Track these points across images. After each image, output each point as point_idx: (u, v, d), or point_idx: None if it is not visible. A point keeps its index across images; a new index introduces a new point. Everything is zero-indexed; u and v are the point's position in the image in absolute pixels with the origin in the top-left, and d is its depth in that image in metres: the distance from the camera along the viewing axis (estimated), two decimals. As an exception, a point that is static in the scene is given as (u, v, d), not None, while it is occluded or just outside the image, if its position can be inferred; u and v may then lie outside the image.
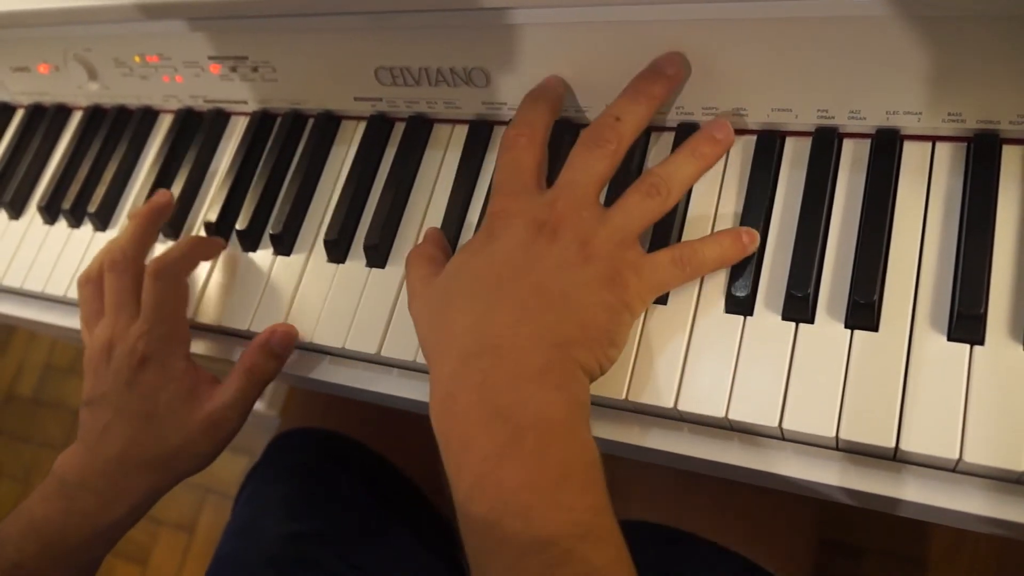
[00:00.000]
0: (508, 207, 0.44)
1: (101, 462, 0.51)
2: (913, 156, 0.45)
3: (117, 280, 0.54)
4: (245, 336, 0.56)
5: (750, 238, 0.45)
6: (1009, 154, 0.43)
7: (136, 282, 0.53)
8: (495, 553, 0.37)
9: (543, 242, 0.42)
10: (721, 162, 0.49)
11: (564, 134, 0.52)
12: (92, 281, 0.56)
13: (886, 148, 0.45)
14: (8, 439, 1.65)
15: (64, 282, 0.63)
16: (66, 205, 0.66)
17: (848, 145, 0.47)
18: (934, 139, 0.45)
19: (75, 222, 0.66)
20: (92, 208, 0.64)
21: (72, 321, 0.63)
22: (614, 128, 0.45)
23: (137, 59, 0.63)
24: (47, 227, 0.67)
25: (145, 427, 0.51)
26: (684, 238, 0.47)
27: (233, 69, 0.60)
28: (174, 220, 0.61)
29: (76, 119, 0.71)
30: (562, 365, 0.40)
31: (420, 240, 0.53)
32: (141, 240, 0.56)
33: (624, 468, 0.61)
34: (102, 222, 0.65)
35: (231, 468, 1.22)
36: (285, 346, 0.53)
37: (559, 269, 0.41)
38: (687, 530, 0.58)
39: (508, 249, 0.43)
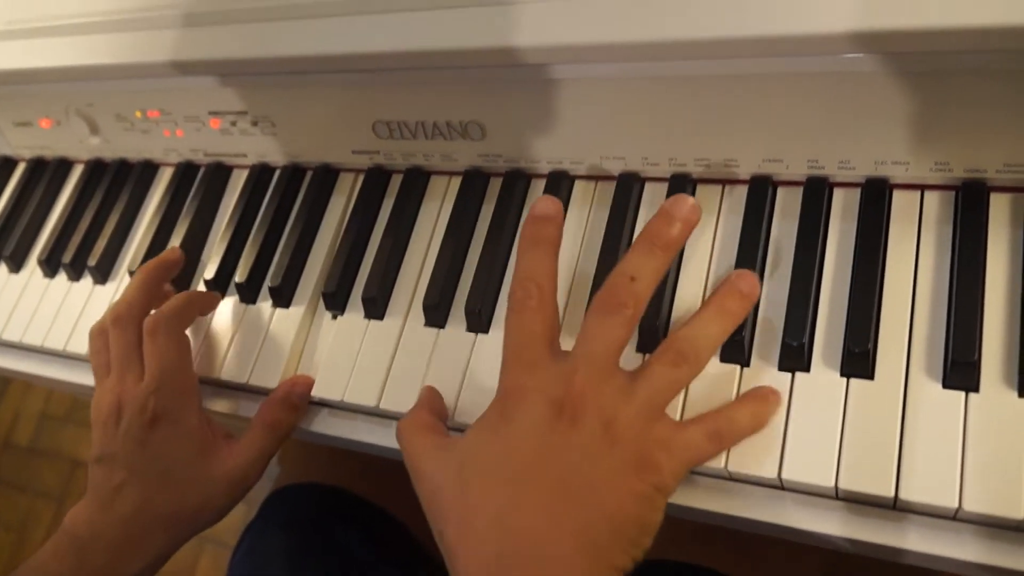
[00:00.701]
0: (523, 383, 0.41)
1: (116, 519, 0.50)
2: (903, 205, 0.46)
3: (121, 335, 0.53)
4: (244, 389, 0.56)
5: (776, 396, 0.43)
6: (997, 202, 0.44)
7: (140, 338, 0.53)
8: None
9: (564, 427, 0.39)
10: (714, 212, 0.49)
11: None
12: (102, 333, 0.55)
13: (876, 197, 0.46)
14: (4, 488, 1.64)
15: (63, 336, 0.63)
16: (66, 259, 0.66)
17: (839, 194, 0.47)
18: (923, 188, 0.46)
19: (75, 275, 0.66)
20: (92, 261, 0.65)
21: (71, 375, 0.63)
22: (630, 289, 0.41)
23: (138, 114, 0.64)
24: (47, 280, 0.68)
25: (161, 486, 0.50)
26: (677, 294, 0.48)
27: (233, 123, 0.61)
28: (174, 273, 0.62)
29: (77, 173, 0.72)
30: (597, 573, 0.38)
31: (423, 399, 0.49)
32: (146, 295, 0.56)
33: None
34: (102, 275, 0.65)
35: (228, 517, 1.20)
36: (304, 397, 0.53)
37: (584, 458, 0.38)
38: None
39: (528, 434, 0.40)
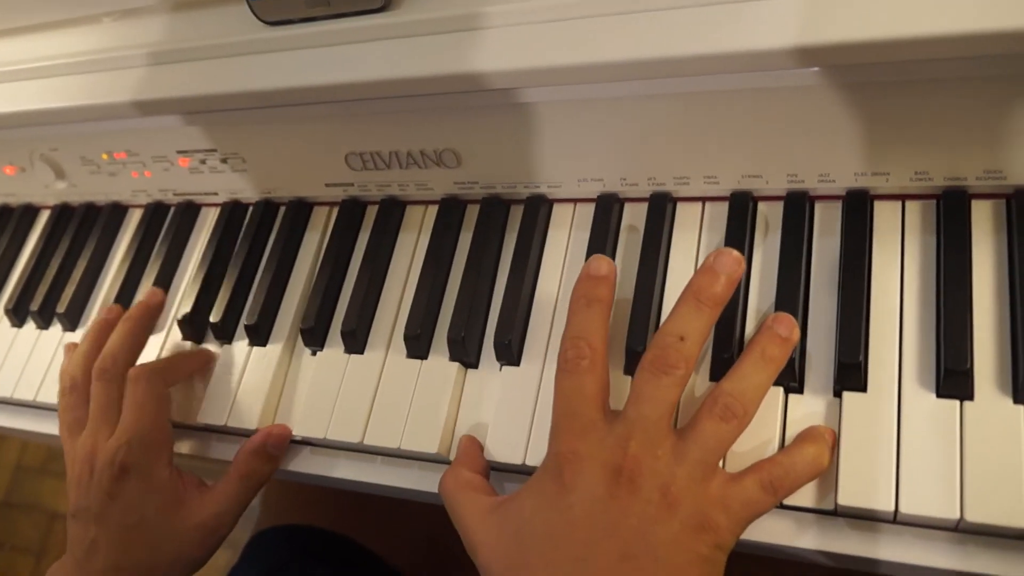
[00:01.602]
0: (577, 449, 0.40)
1: (92, 574, 0.49)
2: (885, 216, 0.45)
3: (105, 389, 0.53)
4: (223, 432, 0.55)
5: (831, 433, 0.41)
6: (978, 209, 0.44)
7: (123, 392, 0.52)
8: None
9: (623, 495, 0.38)
10: (696, 229, 0.49)
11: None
12: (77, 389, 0.54)
13: (857, 209, 0.45)
14: (-20, 545, 1.59)
15: (34, 386, 0.61)
16: (34, 307, 0.64)
17: (820, 208, 0.47)
18: (904, 198, 0.45)
19: (43, 323, 0.65)
20: (61, 308, 0.63)
21: (43, 425, 0.61)
22: (680, 350, 0.40)
23: (105, 156, 0.63)
24: (15, 330, 0.66)
25: (133, 540, 0.49)
26: (663, 313, 0.47)
27: (203, 161, 0.60)
28: (146, 316, 0.60)
29: (43, 218, 0.71)
30: None
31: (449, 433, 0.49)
32: (132, 346, 0.55)
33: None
34: (71, 322, 0.63)
35: (211, 562, 1.17)
36: (280, 447, 0.51)
37: (645, 526, 0.38)
38: None
39: (587, 504, 0.39)
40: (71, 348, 0.59)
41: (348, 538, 0.69)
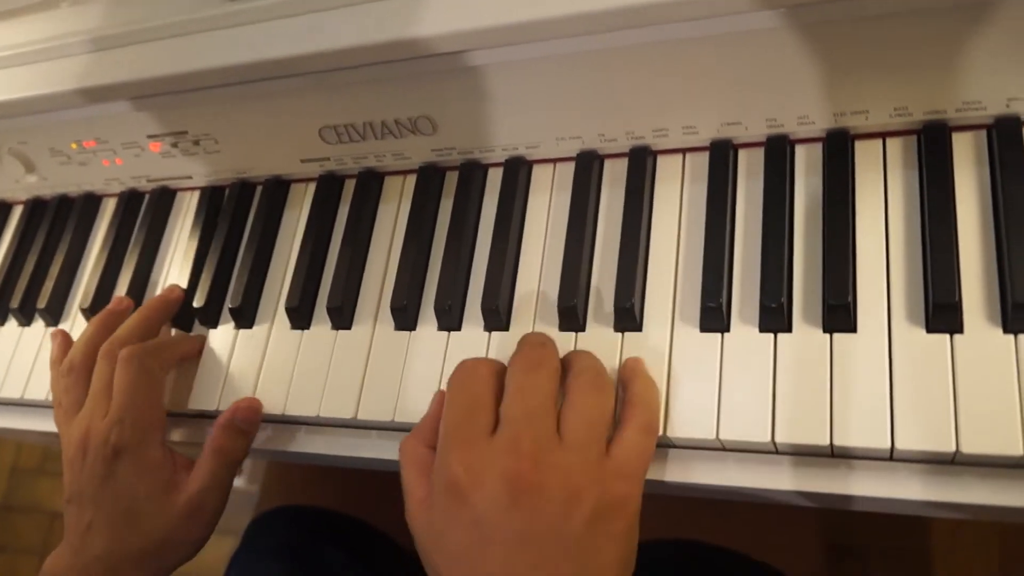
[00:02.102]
0: (471, 463, 0.40)
1: (89, 561, 0.49)
2: (866, 154, 0.45)
3: (108, 370, 0.51)
4: (215, 417, 0.54)
5: (633, 360, 0.44)
6: (959, 141, 0.44)
7: None
8: None
9: (527, 500, 0.38)
10: (678, 182, 0.48)
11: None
12: (75, 370, 0.53)
13: (838, 149, 0.45)
14: (-18, 549, 1.59)
15: (20, 383, 0.61)
16: (14, 304, 0.63)
17: (801, 151, 0.47)
18: (884, 135, 0.45)
19: (25, 320, 0.64)
20: (41, 304, 0.62)
21: (32, 423, 0.61)
22: (546, 347, 0.43)
23: (74, 146, 0.62)
24: (-4, 329, 0.65)
25: (126, 522, 0.49)
26: (651, 263, 0.47)
27: (174, 145, 0.59)
28: (128, 306, 0.59)
29: (16, 215, 0.69)
30: None
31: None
32: (142, 335, 0.54)
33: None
34: (53, 317, 0.62)
35: (214, 551, 1.18)
36: (250, 421, 0.51)
37: (557, 528, 0.38)
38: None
39: (493, 518, 0.38)
40: (57, 335, 0.58)
41: (352, 516, 0.68)
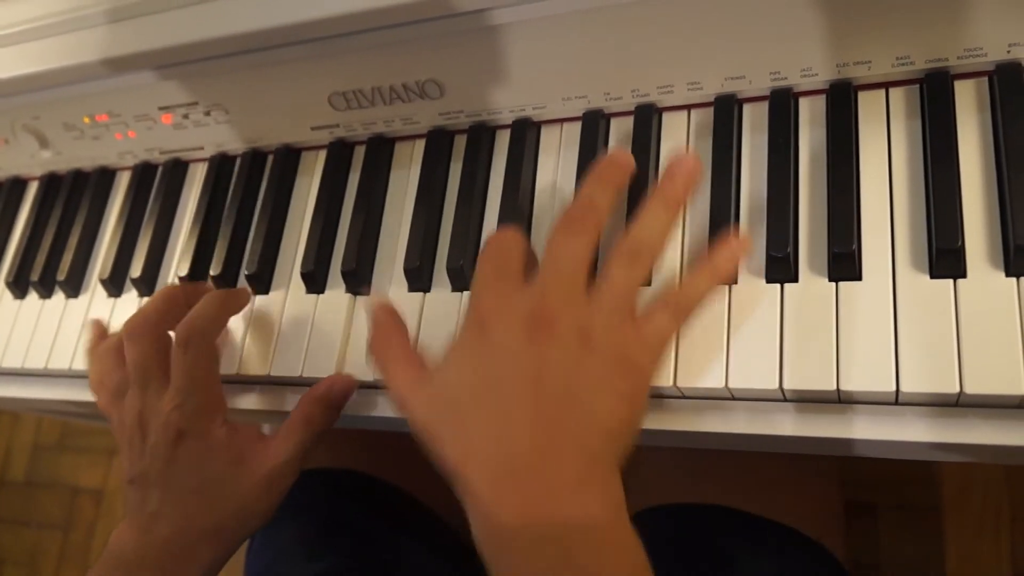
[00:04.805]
0: (498, 304, 0.42)
1: (159, 541, 0.49)
2: (869, 104, 0.45)
3: (152, 348, 0.51)
4: (234, 381, 0.55)
5: (740, 245, 0.44)
6: (961, 88, 0.44)
7: (160, 350, 0.51)
8: None
9: (542, 340, 0.40)
10: (683, 134, 0.49)
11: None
12: (110, 352, 0.53)
13: (841, 100, 0.45)
14: (8, 525, 1.62)
15: (43, 354, 0.62)
16: (34, 277, 0.65)
17: (805, 103, 0.47)
18: (887, 85, 0.46)
19: (46, 293, 0.65)
20: (61, 276, 0.64)
21: (55, 392, 0.62)
22: (589, 211, 0.43)
23: (87, 120, 0.63)
24: (18, 302, 0.66)
25: (196, 501, 0.49)
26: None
27: (185, 116, 0.60)
28: (146, 275, 0.61)
29: (33, 190, 0.70)
30: (594, 473, 0.39)
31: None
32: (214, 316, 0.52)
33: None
34: (73, 289, 0.64)
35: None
36: (346, 398, 0.51)
37: (566, 368, 0.39)
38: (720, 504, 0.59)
39: (508, 355, 0.40)
40: (93, 324, 0.58)
41: (375, 477, 0.70)
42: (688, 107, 0.50)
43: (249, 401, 0.55)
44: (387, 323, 0.46)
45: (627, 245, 0.42)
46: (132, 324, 0.52)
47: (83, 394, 0.60)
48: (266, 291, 0.56)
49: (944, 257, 0.40)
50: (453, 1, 0.46)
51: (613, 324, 0.40)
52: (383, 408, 0.52)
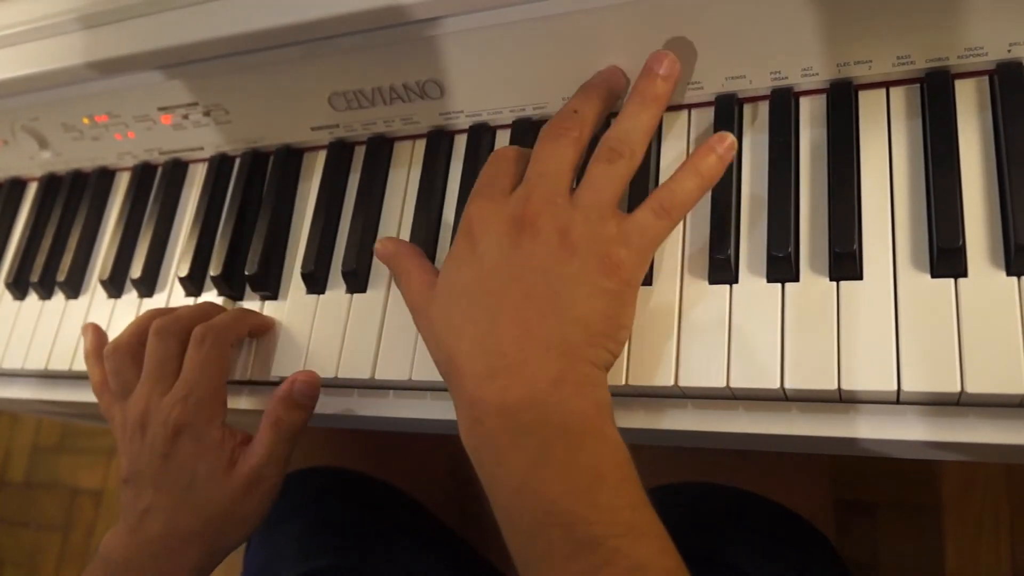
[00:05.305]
0: (485, 208, 0.44)
1: (144, 542, 0.49)
2: (870, 104, 0.45)
3: (163, 345, 0.51)
4: (236, 382, 0.55)
5: (722, 144, 0.43)
6: (962, 88, 0.44)
7: (181, 353, 0.51)
8: (542, 561, 0.38)
9: (526, 241, 0.42)
10: (684, 135, 0.49)
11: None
12: (123, 351, 0.53)
13: (842, 99, 0.45)
14: (7, 526, 1.62)
15: (43, 355, 0.62)
16: (34, 278, 0.65)
17: (806, 103, 0.47)
18: (887, 84, 0.46)
19: (45, 294, 0.65)
20: (61, 277, 0.63)
21: (56, 393, 0.62)
22: (573, 118, 0.45)
23: (86, 121, 0.63)
24: (17, 303, 0.66)
25: (184, 500, 0.49)
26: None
27: (185, 117, 0.60)
28: (146, 276, 0.61)
29: (32, 191, 0.70)
30: (574, 369, 0.40)
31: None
32: (201, 319, 0.53)
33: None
34: (73, 290, 0.64)
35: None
36: (308, 395, 0.50)
37: (547, 268, 0.41)
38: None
39: (494, 255, 0.42)
40: (89, 329, 0.58)
41: (366, 475, 0.70)
42: (688, 106, 0.50)
43: (249, 402, 0.56)
44: (399, 241, 0.50)
45: (605, 143, 0.44)
46: (164, 321, 0.52)
47: (83, 395, 0.60)
48: (266, 291, 0.56)
49: (945, 256, 0.40)
50: (456, 2, 0.46)
51: (592, 221, 0.42)
52: (375, 408, 0.52)
